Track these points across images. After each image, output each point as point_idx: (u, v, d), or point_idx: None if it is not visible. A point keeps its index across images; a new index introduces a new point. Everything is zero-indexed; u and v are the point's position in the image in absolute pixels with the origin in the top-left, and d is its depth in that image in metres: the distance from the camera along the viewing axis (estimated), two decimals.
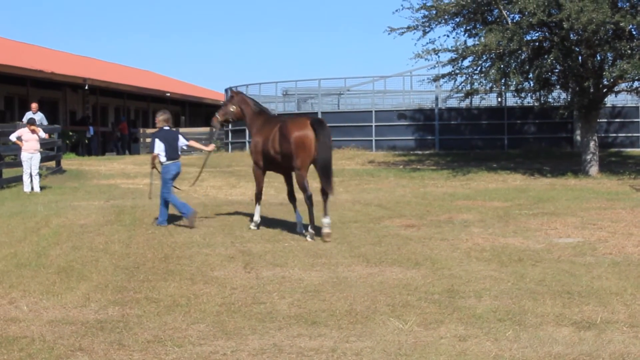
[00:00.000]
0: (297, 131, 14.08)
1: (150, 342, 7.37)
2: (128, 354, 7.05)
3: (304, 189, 14.15)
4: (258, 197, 15.56)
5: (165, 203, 15.69)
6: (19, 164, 25.04)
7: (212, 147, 17.00)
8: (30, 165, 23.56)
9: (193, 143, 16.76)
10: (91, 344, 7.34)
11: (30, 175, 23.66)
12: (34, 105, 33.42)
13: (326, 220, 13.71)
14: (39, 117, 32.28)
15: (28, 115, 31.91)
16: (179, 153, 15.97)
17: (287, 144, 14.14)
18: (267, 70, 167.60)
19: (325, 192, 13.94)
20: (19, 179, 24.93)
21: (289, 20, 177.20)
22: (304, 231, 14.27)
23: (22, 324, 8.07)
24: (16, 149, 25.37)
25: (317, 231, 13.70)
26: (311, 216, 14.18)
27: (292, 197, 15.45)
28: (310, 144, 13.96)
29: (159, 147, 15.67)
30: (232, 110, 16.04)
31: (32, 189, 23.56)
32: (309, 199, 14.15)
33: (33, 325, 8.03)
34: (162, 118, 16.15)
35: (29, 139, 23.67)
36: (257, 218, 15.27)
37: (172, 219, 15.82)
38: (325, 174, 13.98)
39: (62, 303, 8.96)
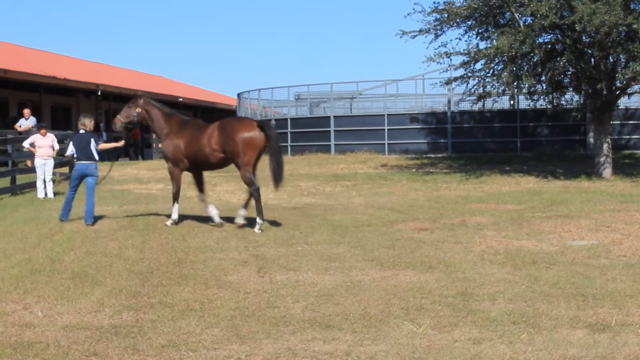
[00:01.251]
0: (246, 132, 15.52)
1: (165, 347, 7.38)
2: (142, 358, 7.06)
3: (251, 183, 15.57)
4: (176, 197, 16.51)
5: (68, 200, 16.83)
6: (32, 170, 25.13)
7: (121, 142, 18.30)
8: (44, 171, 23.64)
9: (103, 146, 17.44)
10: (105, 349, 7.35)
11: (44, 181, 23.73)
12: (27, 111, 33.61)
13: (242, 212, 15.90)
14: (33, 122, 32.50)
15: (21, 121, 32.16)
16: (92, 155, 16.69)
17: (233, 143, 15.52)
18: (280, 75, 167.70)
19: (256, 191, 15.52)
20: (32, 185, 25.01)
21: (301, 25, 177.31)
22: (243, 221, 15.83)
23: (36, 330, 8.09)
24: (30, 155, 25.46)
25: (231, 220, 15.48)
26: (259, 207, 15.43)
27: (203, 193, 16.80)
28: (259, 144, 15.53)
29: (71, 149, 16.71)
30: (135, 113, 16.93)
31: (46, 194, 23.63)
32: (256, 191, 15.55)
33: (48, 330, 8.05)
34: (80, 122, 17.13)
35: (42, 145, 23.75)
36: (175, 216, 16.31)
37: (185, 223, 15.84)
38: (278, 173, 15.71)
39: (77, 308, 8.98)
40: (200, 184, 16.80)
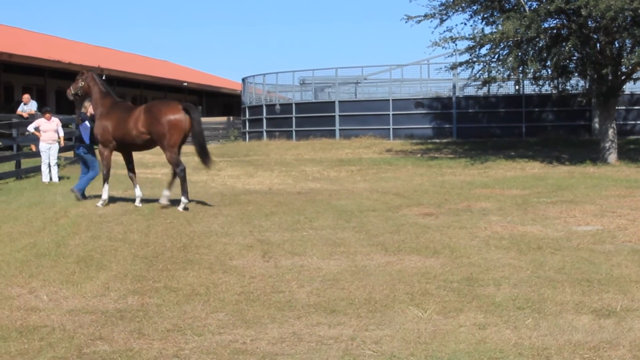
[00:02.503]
0: (171, 114, 16.11)
1: (170, 331, 7.38)
2: (148, 342, 7.06)
3: (177, 164, 16.20)
4: (106, 177, 17.03)
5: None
6: (37, 154, 25.15)
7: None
8: (49, 155, 23.67)
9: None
10: (111, 333, 7.36)
11: (49, 166, 23.76)
12: (26, 97, 33.62)
13: (166, 193, 16.43)
14: (34, 106, 32.55)
15: (21, 106, 32.20)
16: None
17: (160, 125, 16.08)
18: (285, 60, 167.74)
19: (182, 171, 16.15)
20: (37, 170, 25.04)
21: (306, 9, 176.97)
22: (167, 202, 16.32)
23: (42, 313, 8.10)
24: (35, 139, 25.48)
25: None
26: (184, 187, 16.08)
27: (132, 173, 17.28)
28: (184, 126, 16.12)
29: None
30: (80, 85, 18.11)
31: (51, 179, 23.67)
32: (182, 172, 16.16)
33: (53, 314, 8.06)
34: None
35: (47, 130, 23.77)
36: (105, 197, 16.86)
37: (190, 208, 15.84)
38: (203, 152, 16.28)
39: (82, 292, 8.98)
40: (129, 164, 17.29)
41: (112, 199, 17.38)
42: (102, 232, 13.16)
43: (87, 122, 17.91)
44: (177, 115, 16.07)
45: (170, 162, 16.35)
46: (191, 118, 16.11)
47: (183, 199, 15.91)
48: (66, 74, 45.95)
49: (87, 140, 18.00)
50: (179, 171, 16.16)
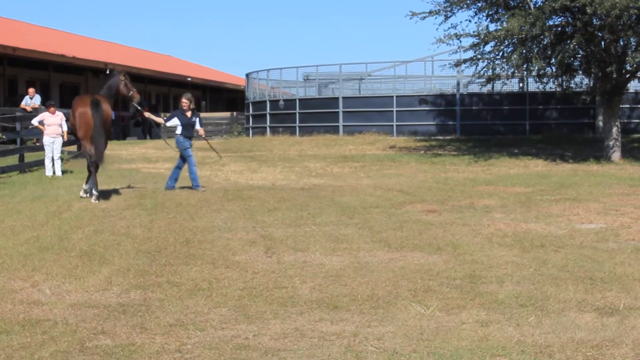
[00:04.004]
0: (80, 107, 17.16)
1: (173, 326, 7.38)
2: (150, 337, 7.06)
3: (88, 156, 17.15)
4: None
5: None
6: (40, 148, 25.17)
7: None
8: (52, 149, 23.69)
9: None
10: (113, 327, 7.36)
11: (52, 159, 23.78)
12: (31, 90, 33.84)
13: (86, 187, 17.24)
14: (38, 100, 32.67)
15: (26, 99, 32.29)
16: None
17: (73, 117, 17.32)
18: (288, 55, 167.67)
19: (92, 164, 17.05)
20: (40, 163, 25.07)
21: (310, 4, 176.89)
22: (86, 194, 17.19)
23: (44, 307, 8.10)
24: (38, 133, 25.50)
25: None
26: (94, 179, 16.91)
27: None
28: (89, 119, 16.91)
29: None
30: None
31: (54, 173, 23.69)
32: (92, 165, 17.00)
33: (56, 308, 8.05)
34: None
35: (51, 123, 23.79)
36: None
37: (193, 203, 15.85)
38: (96, 146, 16.99)
39: (85, 286, 8.99)
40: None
41: (115, 193, 17.42)
42: (105, 227, 13.17)
43: (176, 118, 18.81)
44: (83, 109, 17.04)
45: (84, 153, 17.47)
46: (91, 111, 16.92)
47: (94, 192, 16.71)
48: (70, 67, 46.05)
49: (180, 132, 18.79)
50: (89, 164, 17.12)
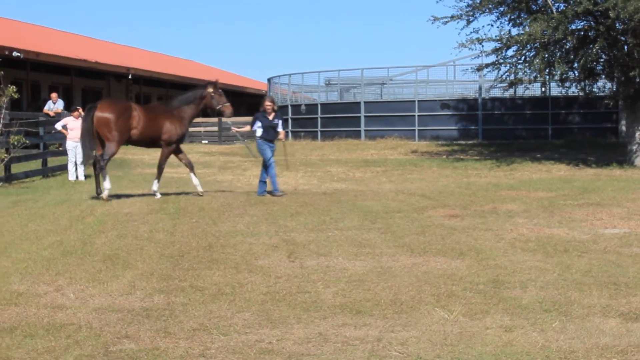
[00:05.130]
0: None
1: (196, 330, 7.39)
2: (174, 341, 7.08)
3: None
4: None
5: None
6: (64, 152, 25.28)
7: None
8: (75, 154, 23.78)
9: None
10: (137, 332, 7.38)
11: (75, 164, 23.88)
12: (54, 95, 34.19)
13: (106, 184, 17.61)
14: (60, 105, 32.92)
15: (49, 104, 32.52)
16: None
17: None
18: (310, 60, 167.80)
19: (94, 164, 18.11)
20: (63, 168, 25.18)
21: (332, 9, 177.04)
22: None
23: (68, 311, 8.13)
24: (61, 137, 25.61)
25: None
26: (97, 180, 18.03)
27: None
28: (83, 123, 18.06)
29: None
30: None
31: (77, 177, 23.81)
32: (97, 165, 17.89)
33: (80, 312, 8.08)
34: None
35: (73, 128, 23.88)
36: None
37: (215, 207, 15.88)
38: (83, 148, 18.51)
39: (108, 291, 9.01)
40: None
41: (137, 197, 17.48)
42: (128, 231, 13.20)
43: (258, 121, 18.77)
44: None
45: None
46: (84, 116, 18.20)
47: (97, 191, 17.80)
48: (92, 72, 46.26)
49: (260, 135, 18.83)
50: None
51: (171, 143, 18.25)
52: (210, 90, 18.42)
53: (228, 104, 18.57)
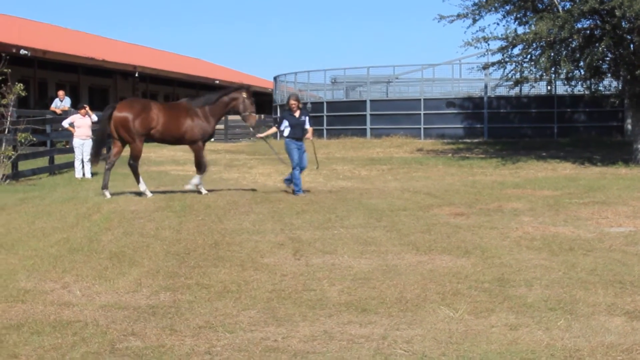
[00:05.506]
0: None
1: (202, 328, 7.40)
2: (180, 339, 7.08)
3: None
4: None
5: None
6: (70, 150, 25.30)
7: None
8: (82, 151, 23.80)
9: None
10: (143, 329, 7.39)
11: (82, 162, 23.90)
12: (61, 93, 34.33)
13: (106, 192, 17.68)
14: (67, 103, 33.03)
15: (56, 102, 32.62)
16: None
17: None
18: (316, 58, 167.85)
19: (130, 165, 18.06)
20: (70, 165, 25.21)
21: (338, 8, 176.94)
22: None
23: (75, 309, 8.14)
24: (68, 135, 25.64)
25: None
26: (105, 177, 17.94)
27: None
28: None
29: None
30: None
31: (84, 175, 23.81)
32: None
33: (86, 309, 8.10)
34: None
35: (80, 125, 23.92)
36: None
37: (221, 205, 15.88)
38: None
39: (115, 288, 9.03)
40: None
41: (144, 194, 17.50)
42: (134, 229, 13.21)
43: (285, 120, 18.65)
44: None
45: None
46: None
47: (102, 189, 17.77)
48: (99, 70, 46.31)
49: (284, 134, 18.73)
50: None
51: (195, 141, 18.26)
52: (243, 94, 18.53)
53: (254, 114, 18.78)
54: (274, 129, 19.18)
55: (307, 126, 18.65)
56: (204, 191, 17.95)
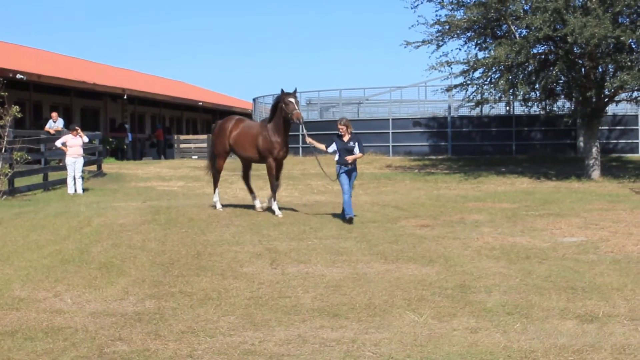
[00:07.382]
0: None
1: (184, 333, 7.38)
2: (164, 343, 7.06)
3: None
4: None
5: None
6: (63, 167, 25.18)
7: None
8: (74, 168, 23.68)
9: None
10: (130, 334, 7.36)
11: (74, 178, 23.77)
12: (54, 115, 34.37)
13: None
14: (60, 124, 32.96)
15: (50, 123, 32.60)
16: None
17: None
18: (292, 81, 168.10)
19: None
20: (63, 182, 25.06)
21: (312, 34, 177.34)
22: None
23: (66, 315, 8.10)
24: (61, 153, 25.52)
25: None
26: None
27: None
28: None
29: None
30: None
31: (76, 190, 23.67)
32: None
33: (76, 316, 8.05)
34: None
35: (73, 145, 23.80)
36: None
37: (203, 218, 15.84)
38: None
39: (103, 296, 8.98)
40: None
41: (131, 208, 17.41)
42: (122, 240, 13.16)
43: (334, 143, 16.71)
44: None
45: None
46: None
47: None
48: (90, 93, 46.12)
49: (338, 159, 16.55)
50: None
51: (264, 158, 17.48)
52: (286, 97, 17.27)
53: (298, 111, 17.45)
54: (323, 146, 17.02)
55: (357, 151, 16.33)
56: (278, 214, 16.74)
